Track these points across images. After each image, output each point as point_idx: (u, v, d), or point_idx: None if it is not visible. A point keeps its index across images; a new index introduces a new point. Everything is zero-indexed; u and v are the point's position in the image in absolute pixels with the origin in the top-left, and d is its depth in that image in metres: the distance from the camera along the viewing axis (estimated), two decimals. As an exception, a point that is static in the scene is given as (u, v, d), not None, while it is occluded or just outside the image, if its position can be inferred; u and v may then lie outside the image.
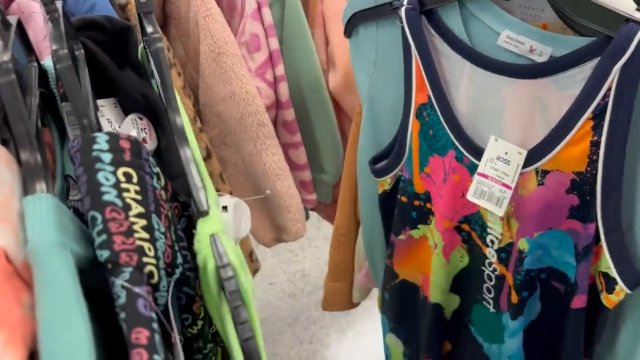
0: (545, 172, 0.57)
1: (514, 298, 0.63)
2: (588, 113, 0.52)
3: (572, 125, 0.53)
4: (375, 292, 1.06)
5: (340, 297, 0.96)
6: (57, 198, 0.38)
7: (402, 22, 0.62)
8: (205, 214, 0.33)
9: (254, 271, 1.00)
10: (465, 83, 0.61)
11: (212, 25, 0.87)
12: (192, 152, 0.37)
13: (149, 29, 0.39)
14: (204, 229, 0.33)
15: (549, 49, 0.57)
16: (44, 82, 0.43)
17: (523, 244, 0.60)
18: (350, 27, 0.71)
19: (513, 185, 0.58)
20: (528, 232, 0.60)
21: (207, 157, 0.89)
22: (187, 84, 0.96)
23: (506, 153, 0.58)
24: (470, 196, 0.61)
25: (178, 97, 0.39)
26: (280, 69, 0.94)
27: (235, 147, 0.95)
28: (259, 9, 0.91)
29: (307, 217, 1.16)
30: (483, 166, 0.60)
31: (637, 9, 0.53)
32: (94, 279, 0.34)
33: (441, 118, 0.63)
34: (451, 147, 0.63)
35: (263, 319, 1.73)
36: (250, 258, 0.97)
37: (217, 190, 0.91)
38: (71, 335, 0.28)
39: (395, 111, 0.69)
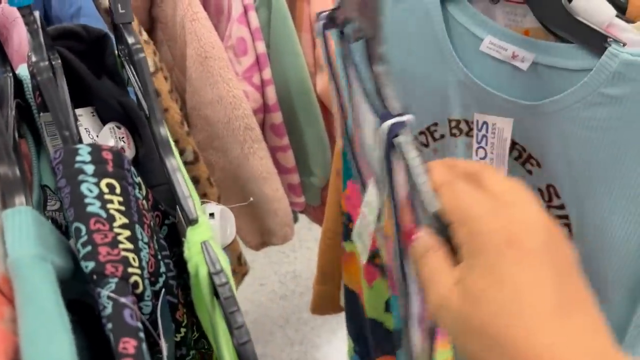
0: None
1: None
2: None
3: None
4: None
5: (328, 301, 0.96)
6: (36, 210, 0.38)
7: None
8: (194, 222, 0.34)
9: (243, 274, 1.00)
10: None
11: (199, 29, 0.87)
12: (177, 162, 0.37)
13: (130, 40, 0.39)
14: (194, 236, 0.33)
15: (531, 55, 0.58)
16: (19, 91, 0.43)
17: None
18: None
19: None
20: None
21: (194, 161, 0.89)
22: (175, 88, 0.96)
23: None
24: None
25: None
26: (267, 73, 0.94)
27: (222, 151, 0.95)
28: (245, 12, 0.91)
29: (296, 220, 1.17)
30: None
31: (617, 15, 0.54)
32: (75, 290, 0.35)
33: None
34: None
35: (254, 320, 1.73)
36: (239, 261, 0.98)
37: (205, 194, 0.91)
38: (54, 348, 0.28)
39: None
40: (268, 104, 0.96)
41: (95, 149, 0.33)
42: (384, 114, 0.40)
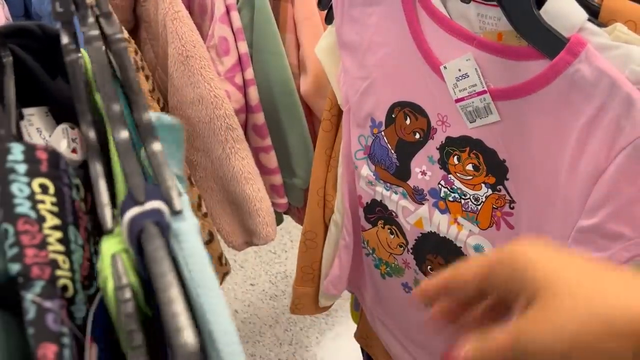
0: None
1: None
2: None
3: None
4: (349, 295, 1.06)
5: (307, 301, 0.95)
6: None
7: None
8: (109, 232, 0.33)
9: (224, 274, 0.99)
10: None
11: (180, 28, 0.86)
12: (103, 168, 0.36)
13: (65, 40, 0.38)
14: (105, 248, 0.32)
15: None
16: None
17: None
18: None
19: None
20: None
21: (174, 161, 0.89)
22: (157, 87, 0.95)
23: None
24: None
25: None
26: (249, 73, 0.93)
27: (204, 150, 0.94)
28: (228, 12, 0.90)
29: (281, 221, 1.16)
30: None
31: (588, 19, 0.53)
32: (15, 293, 0.34)
33: None
34: None
35: (243, 319, 1.73)
36: (220, 261, 0.97)
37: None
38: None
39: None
40: (250, 105, 0.96)
41: (29, 148, 0.33)
42: (126, 202, 0.32)
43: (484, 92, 0.59)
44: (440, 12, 0.61)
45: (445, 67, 0.61)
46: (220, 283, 1.00)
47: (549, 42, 0.52)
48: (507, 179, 0.62)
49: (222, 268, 0.99)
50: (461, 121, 0.63)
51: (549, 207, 0.59)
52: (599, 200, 0.54)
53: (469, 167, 0.65)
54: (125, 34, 0.84)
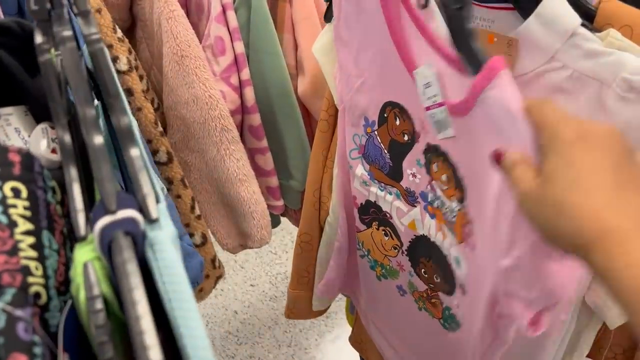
0: None
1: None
2: None
3: None
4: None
5: (302, 305, 0.95)
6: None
7: None
8: (82, 239, 0.32)
9: (217, 277, 0.98)
10: None
11: (175, 27, 0.86)
12: (77, 172, 0.36)
13: (39, 39, 0.37)
14: (79, 255, 0.31)
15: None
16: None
17: None
18: None
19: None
20: None
21: (168, 162, 0.88)
22: (152, 87, 0.95)
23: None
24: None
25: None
26: (245, 73, 0.93)
27: (199, 151, 0.94)
28: (224, 12, 0.90)
29: (278, 223, 1.15)
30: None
31: (582, 24, 0.52)
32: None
33: None
34: None
35: (243, 320, 1.72)
36: (213, 264, 0.96)
37: (179, 195, 0.90)
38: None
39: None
40: (246, 105, 0.95)
41: (1, 151, 0.32)
42: (97, 210, 0.31)
43: (442, 104, 0.54)
44: (416, 12, 0.57)
45: (416, 73, 0.56)
46: (214, 286, 0.99)
47: (474, 62, 0.47)
48: (466, 198, 0.57)
49: (215, 271, 0.98)
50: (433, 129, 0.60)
51: (494, 234, 0.51)
52: (508, 242, 0.48)
53: (444, 177, 0.60)
54: (119, 33, 0.83)
